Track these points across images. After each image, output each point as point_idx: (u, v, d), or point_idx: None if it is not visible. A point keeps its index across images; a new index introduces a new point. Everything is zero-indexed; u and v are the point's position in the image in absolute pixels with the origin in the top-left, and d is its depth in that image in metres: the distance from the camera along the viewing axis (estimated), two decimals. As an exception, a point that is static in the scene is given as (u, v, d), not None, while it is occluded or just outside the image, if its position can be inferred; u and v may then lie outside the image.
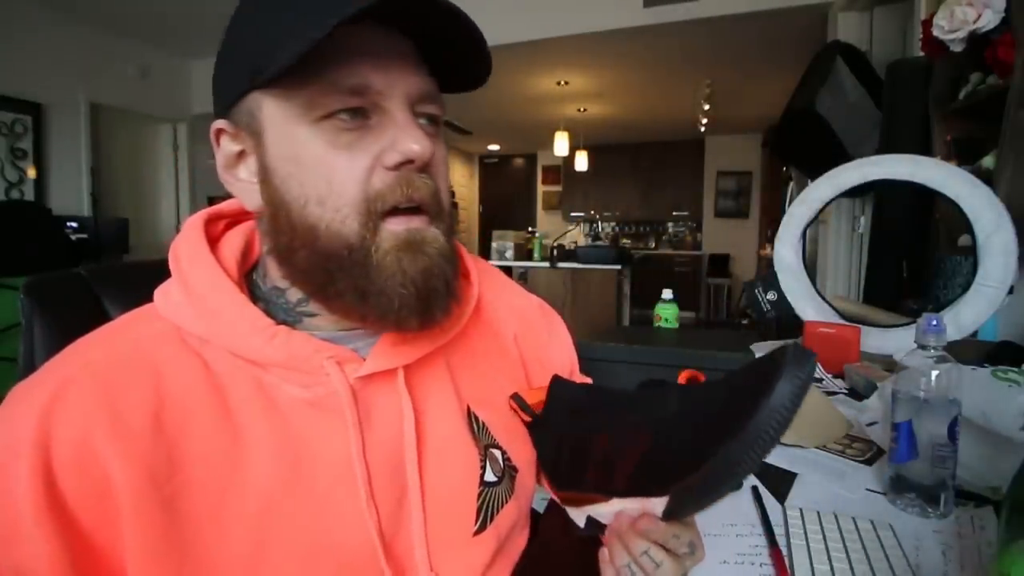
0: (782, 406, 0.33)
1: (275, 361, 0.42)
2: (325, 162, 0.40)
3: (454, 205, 7.50)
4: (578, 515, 0.46)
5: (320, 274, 0.42)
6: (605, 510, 0.43)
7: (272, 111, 0.41)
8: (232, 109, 0.43)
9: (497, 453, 0.51)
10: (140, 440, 0.37)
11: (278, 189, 0.42)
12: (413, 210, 0.42)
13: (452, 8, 0.39)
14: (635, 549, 0.41)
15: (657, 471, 0.40)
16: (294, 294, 0.45)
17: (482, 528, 0.48)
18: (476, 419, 0.51)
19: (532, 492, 0.56)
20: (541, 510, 0.68)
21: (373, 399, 0.45)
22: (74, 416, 0.36)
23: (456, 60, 0.45)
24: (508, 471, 0.52)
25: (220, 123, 0.44)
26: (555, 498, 0.54)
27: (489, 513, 0.49)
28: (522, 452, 0.54)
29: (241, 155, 0.44)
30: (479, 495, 0.48)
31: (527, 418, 0.53)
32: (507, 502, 0.51)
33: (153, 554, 0.36)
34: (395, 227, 0.41)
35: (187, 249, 0.45)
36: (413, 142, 0.40)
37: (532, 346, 0.60)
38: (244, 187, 0.44)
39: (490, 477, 0.49)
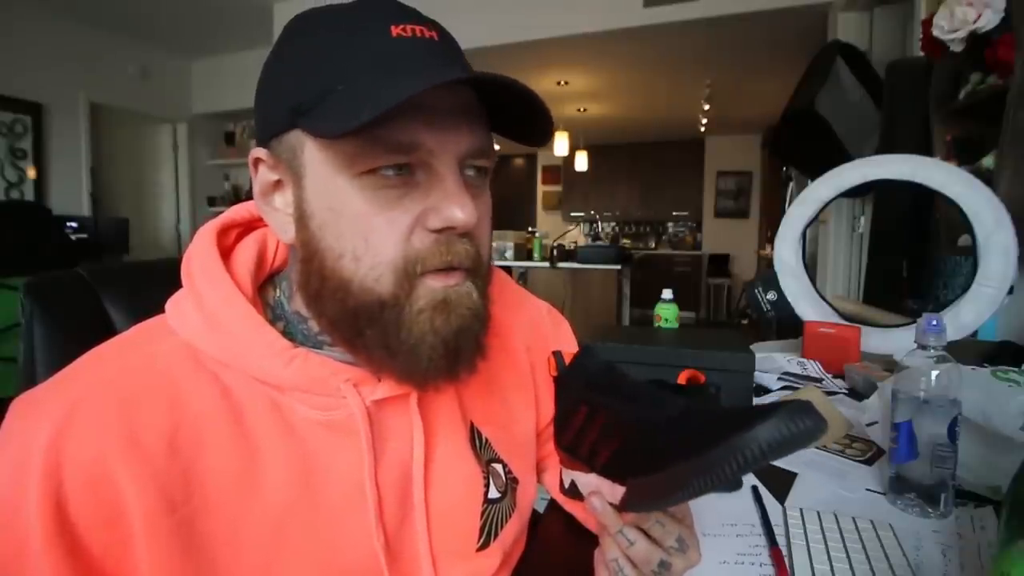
0: (746, 448, 0.32)
1: (292, 384, 0.41)
2: (364, 219, 0.38)
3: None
4: (566, 476, 0.47)
5: (348, 328, 0.41)
6: (584, 480, 0.44)
7: (313, 155, 0.39)
8: (273, 140, 0.41)
9: (498, 467, 0.52)
10: (155, 462, 0.36)
11: (314, 235, 0.40)
12: (450, 268, 0.41)
13: (515, 86, 0.38)
14: (612, 527, 0.42)
15: (627, 462, 0.41)
16: (316, 324, 0.44)
17: (486, 544, 0.48)
18: (479, 435, 0.51)
19: (532, 500, 0.57)
20: (542, 510, 0.68)
21: (387, 421, 0.45)
22: (88, 436, 0.35)
23: (518, 119, 0.43)
24: (510, 484, 0.52)
25: (259, 152, 0.42)
26: (557, 453, 0.55)
27: (493, 529, 0.49)
28: (523, 463, 0.55)
29: (278, 184, 0.43)
30: (483, 512, 0.49)
31: (555, 373, 0.54)
32: (510, 517, 0.51)
33: (173, 575, 0.36)
34: (433, 284, 0.40)
35: (200, 264, 0.44)
36: (459, 209, 0.38)
37: (541, 353, 0.61)
38: (279, 217, 0.43)
39: (493, 494, 0.50)
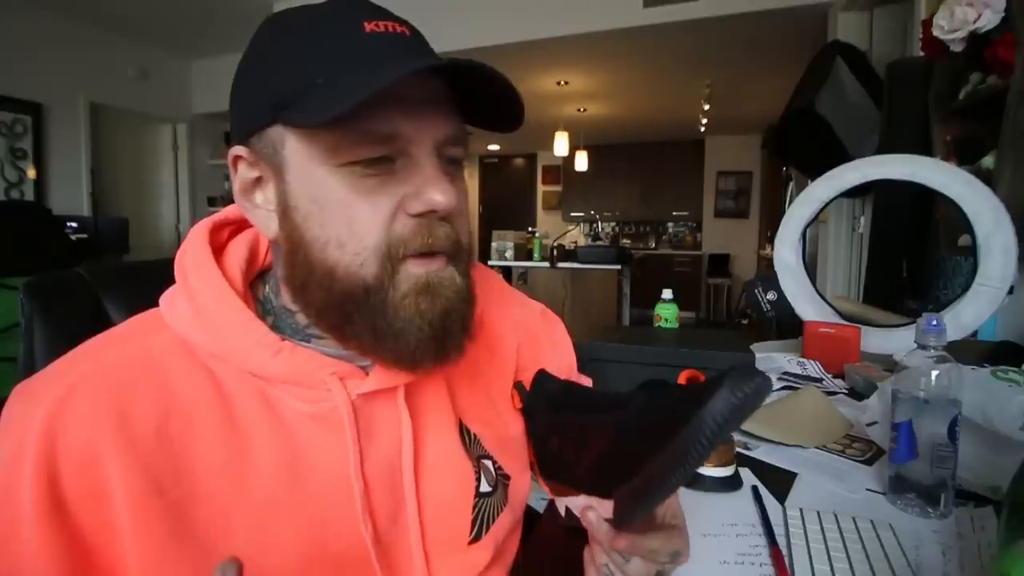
0: (704, 427, 0.33)
1: (279, 376, 0.42)
2: (347, 206, 0.39)
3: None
4: (560, 504, 0.47)
5: (335, 315, 0.42)
6: (576, 501, 0.44)
7: (295, 148, 0.40)
8: (252, 137, 0.42)
9: (488, 463, 0.52)
10: (144, 446, 0.38)
11: (298, 227, 0.41)
12: (432, 252, 0.42)
13: (493, 73, 0.39)
14: (608, 544, 0.42)
15: (607, 473, 0.42)
16: (303, 317, 0.45)
17: (478, 536, 0.49)
18: (468, 432, 0.52)
19: (525, 497, 0.57)
20: (541, 510, 0.68)
21: (374, 414, 0.46)
22: (82, 419, 0.37)
23: (489, 107, 0.44)
24: (500, 480, 0.53)
25: (239, 150, 0.43)
26: (543, 485, 0.55)
27: (485, 522, 0.50)
28: (513, 461, 0.55)
29: (258, 181, 0.44)
30: (475, 506, 0.49)
31: (519, 405, 0.54)
32: (502, 510, 0.52)
33: (162, 557, 0.37)
34: (415, 269, 0.41)
35: (193, 260, 0.45)
36: (439, 193, 0.39)
37: (532, 355, 0.61)
38: (260, 214, 0.44)
39: (485, 488, 0.50)
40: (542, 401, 0.50)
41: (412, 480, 0.46)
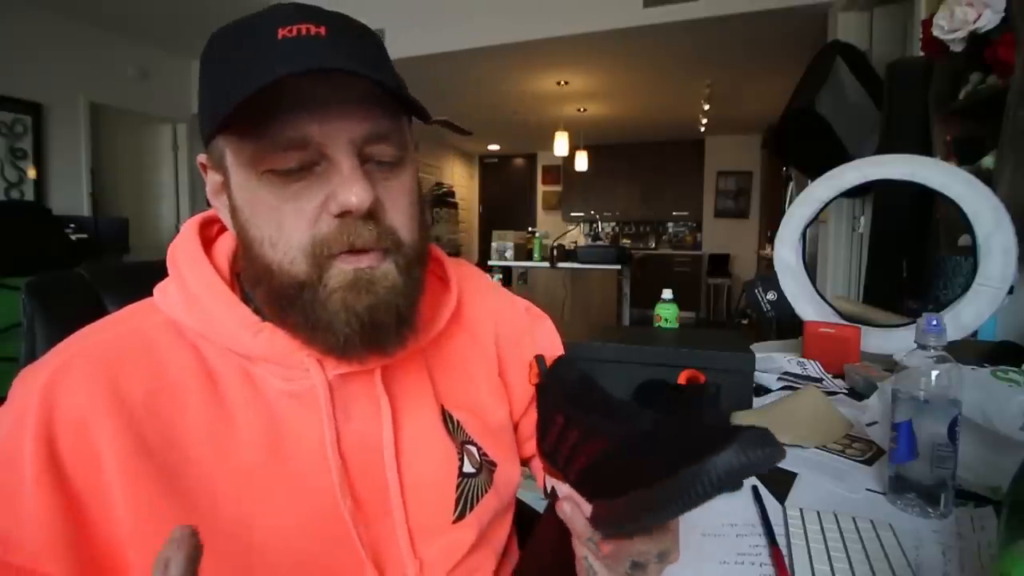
0: (699, 481, 0.33)
1: (260, 355, 0.45)
2: (275, 210, 0.42)
3: (453, 205, 7.48)
4: (549, 481, 0.48)
5: (276, 307, 0.44)
6: (562, 489, 0.45)
7: (231, 158, 0.43)
8: (210, 145, 0.45)
9: (473, 448, 0.54)
10: (134, 414, 0.41)
11: (243, 227, 0.44)
12: (360, 249, 0.42)
13: (356, 71, 0.38)
14: (582, 534, 0.43)
15: (595, 481, 0.42)
16: None
17: (462, 516, 0.51)
18: (451, 418, 0.53)
19: (514, 485, 0.58)
20: (541, 510, 0.68)
21: (351, 395, 0.48)
22: (77, 388, 0.40)
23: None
24: (485, 465, 0.54)
25: (202, 157, 0.48)
26: (540, 461, 0.55)
27: (469, 502, 0.51)
28: (499, 449, 0.56)
29: (223, 184, 0.46)
30: (458, 485, 0.51)
31: (536, 379, 0.54)
32: (486, 492, 0.53)
33: (153, 516, 0.39)
34: (344, 265, 0.42)
35: (184, 251, 0.48)
36: (352, 194, 0.40)
37: (513, 348, 0.62)
38: (225, 213, 0.47)
39: (468, 469, 0.52)
40: (558, 384, 0.50)
41: (393, 459, 0.48)
